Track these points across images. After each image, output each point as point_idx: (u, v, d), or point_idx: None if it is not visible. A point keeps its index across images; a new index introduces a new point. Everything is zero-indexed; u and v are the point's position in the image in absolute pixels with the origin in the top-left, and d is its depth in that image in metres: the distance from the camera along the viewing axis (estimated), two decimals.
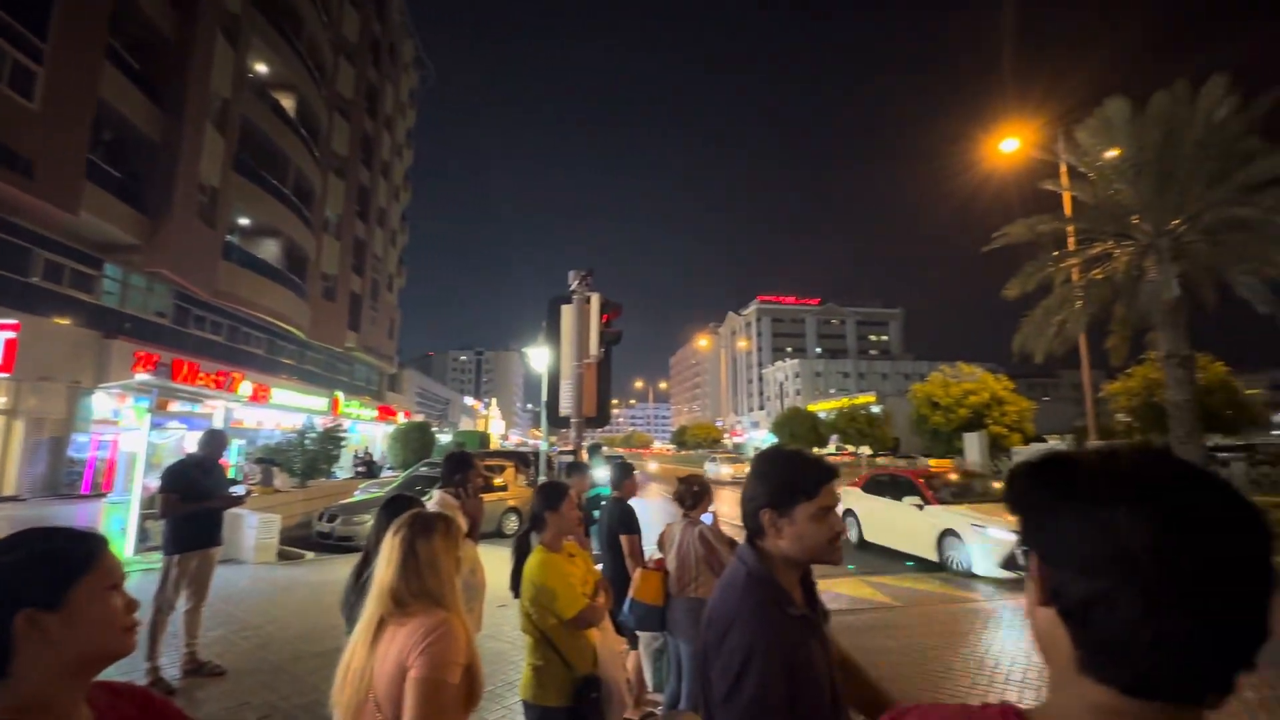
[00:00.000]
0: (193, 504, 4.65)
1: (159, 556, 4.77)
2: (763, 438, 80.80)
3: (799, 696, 1.19)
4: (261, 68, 23.18)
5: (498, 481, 13.10)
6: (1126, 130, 13.51)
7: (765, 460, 1.43)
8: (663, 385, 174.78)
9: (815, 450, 44.93)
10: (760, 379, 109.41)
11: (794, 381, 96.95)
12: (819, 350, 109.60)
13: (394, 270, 42.19)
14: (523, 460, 14.95)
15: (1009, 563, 7.87)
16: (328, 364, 31.29)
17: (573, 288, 5.91)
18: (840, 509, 8.35)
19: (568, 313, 6.02)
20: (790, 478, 1.35)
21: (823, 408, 57.26)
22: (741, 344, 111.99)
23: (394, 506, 2.15)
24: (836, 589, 7.42)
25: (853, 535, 11.16)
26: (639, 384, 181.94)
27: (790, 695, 1.18)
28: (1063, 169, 16.66)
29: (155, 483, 6.34)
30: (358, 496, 13.33)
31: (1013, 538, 7.36)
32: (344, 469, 21.11)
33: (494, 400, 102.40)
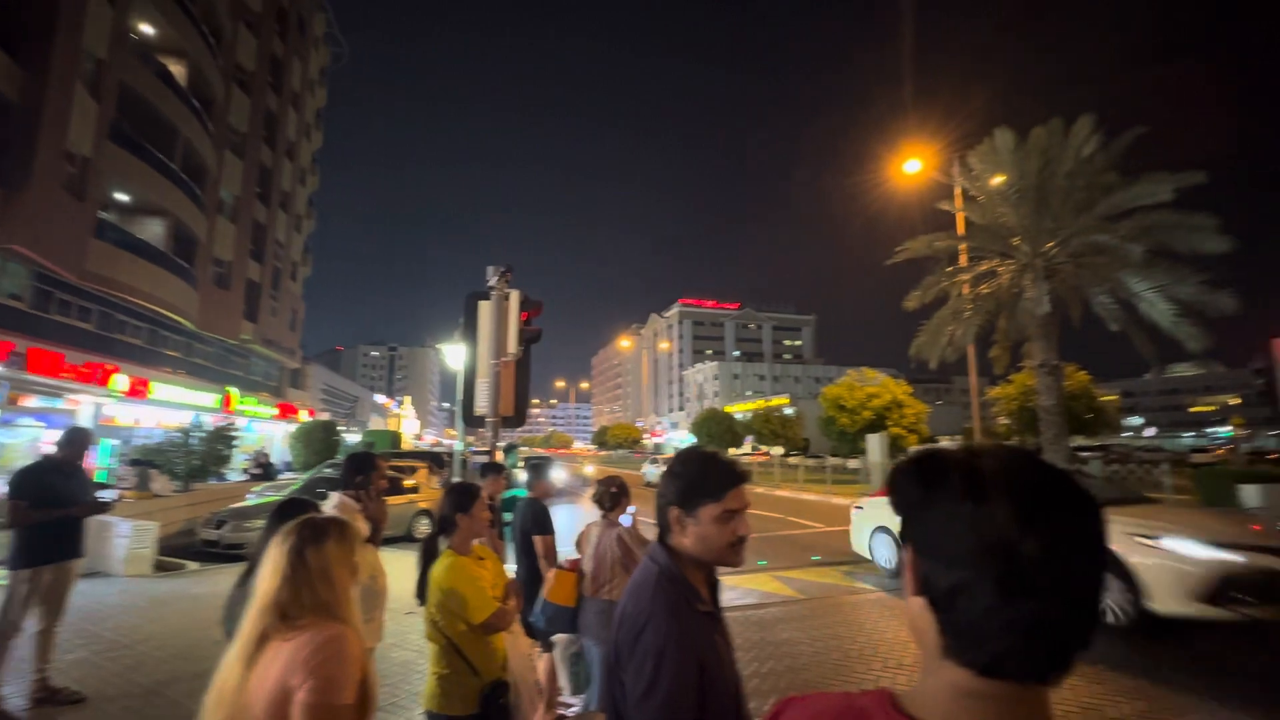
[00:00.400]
0: (47, 511, 4.12)
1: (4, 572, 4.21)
2: (682, 438, 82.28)
3: (710, 691, 1.22)
4: (147, 29, 20.99)
5: (409, 483, 12.57)
6: (1011, 159, 14.84)
7: (679, 460, 1.45)
8: (584, 385, 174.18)
9: (731, 450, 46.33)
10: (681, 380, 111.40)
11: (713, 383, 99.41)
12: (737, 353, 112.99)
13: (298, 258, 39.47)
14: (436, 461, 14.42)
15: (1215, 593, 4.97)
16: (220, 357, 28.78)
17: (491, 284, 5.76)
18: (868, 526, 8.35)
19: (485, 309, 5.85)
20: (698, 479, 1.37)
21: (739, 409, 59.12)
22: (663, 345, 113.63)
23: (286, 511, 2.00)
24: (747, 585, 7.67)
25: (885, 559, 8.40)
26: (560, 384, 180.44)
27: (703, 690, 1.20)
28: (957, 191, 18.07)
29: (3, 488, 5.59)
30: (250, 501, 12.35)
31: (1215, 553, 5.10)
32: (236, 471, 19.54)
33: (408, 399, 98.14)
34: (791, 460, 31.70)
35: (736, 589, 7.42)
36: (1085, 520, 0.58)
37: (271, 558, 1.40)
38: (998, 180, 15.22)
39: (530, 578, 3.90)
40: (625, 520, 3.66)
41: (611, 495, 3.68)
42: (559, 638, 3.68)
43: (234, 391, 24.72)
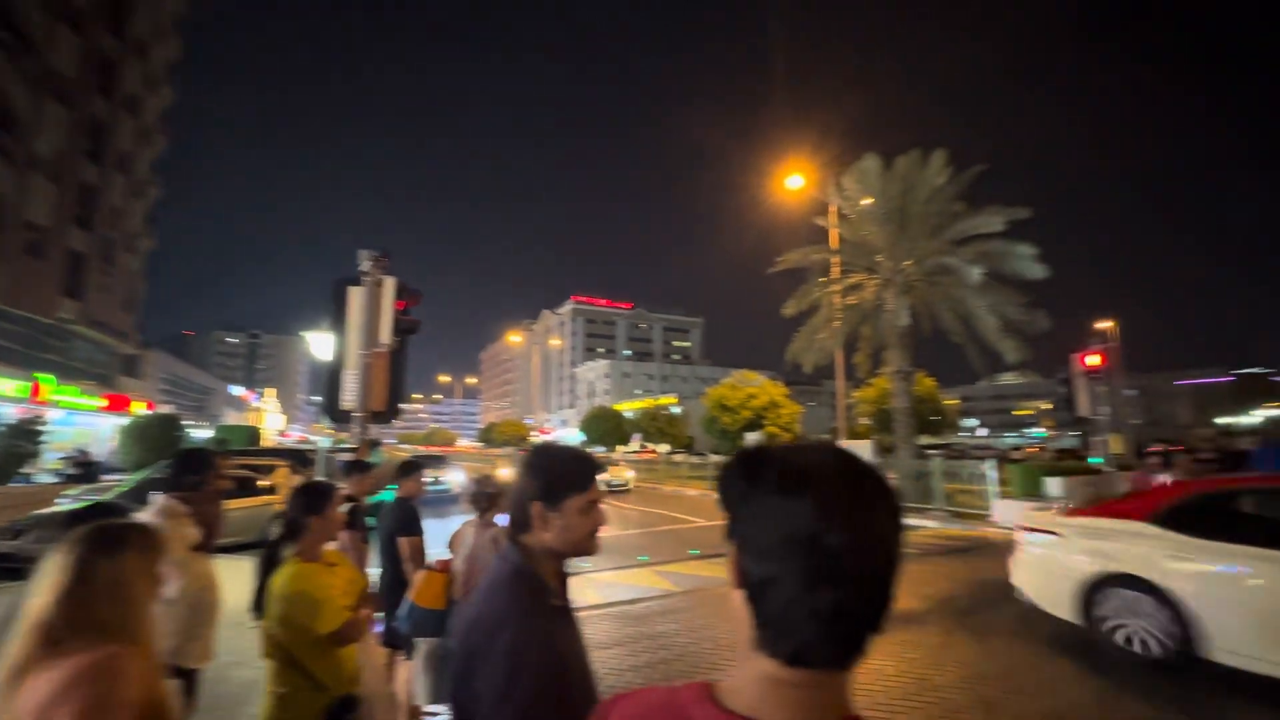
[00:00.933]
0: None
1: None
2: (572, 435, 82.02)
3: (567, 688, 1.20)
4: None
5: (265, 483, 11.44)
6: (877, 183, 16.29)
7: (541, 455, 1.43)
8: (471, 381, 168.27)
9: (619, 447, 46.89)
10: (572, 378, 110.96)
11: (604, 381, 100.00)
12: (628, 352, 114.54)
13: (139, 229, 34.56)
14: (300, 459, 13.23)
15: None
16: (29, 339, 24.49)
17: (364, 269, 5.38)
18: (1106, 564, 4.57)
19: (356, 296, 5.45)
20: (564, 472, 1.37)
21: (628, 407, 59.96)
22: (554, 342, 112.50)
23: (83, 518, 1.72)
24: (628, 580, 7.78)
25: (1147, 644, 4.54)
26: (445, 379, 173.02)
27: (561, 688, 1.18)
28: (832, 209, 19.50)
29: None
30: (63, 505, 10.63)
31: None
32: (47, 471, 16.76)
33: (271, 391, 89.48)
34: (676, 457, 32.73)
35: (617, 585, 7.50)
36: (883, 513, 0.62)
37: (48, 572, 1.19)
38: (866, 202, 16.69)
39: (394, 582, 3.68)
40: (502, 520, 3.56)
41: (488, 495, 3.56)
42: (423, 642, 3.51)
43: (47, 379, 21.17)
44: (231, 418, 56.23)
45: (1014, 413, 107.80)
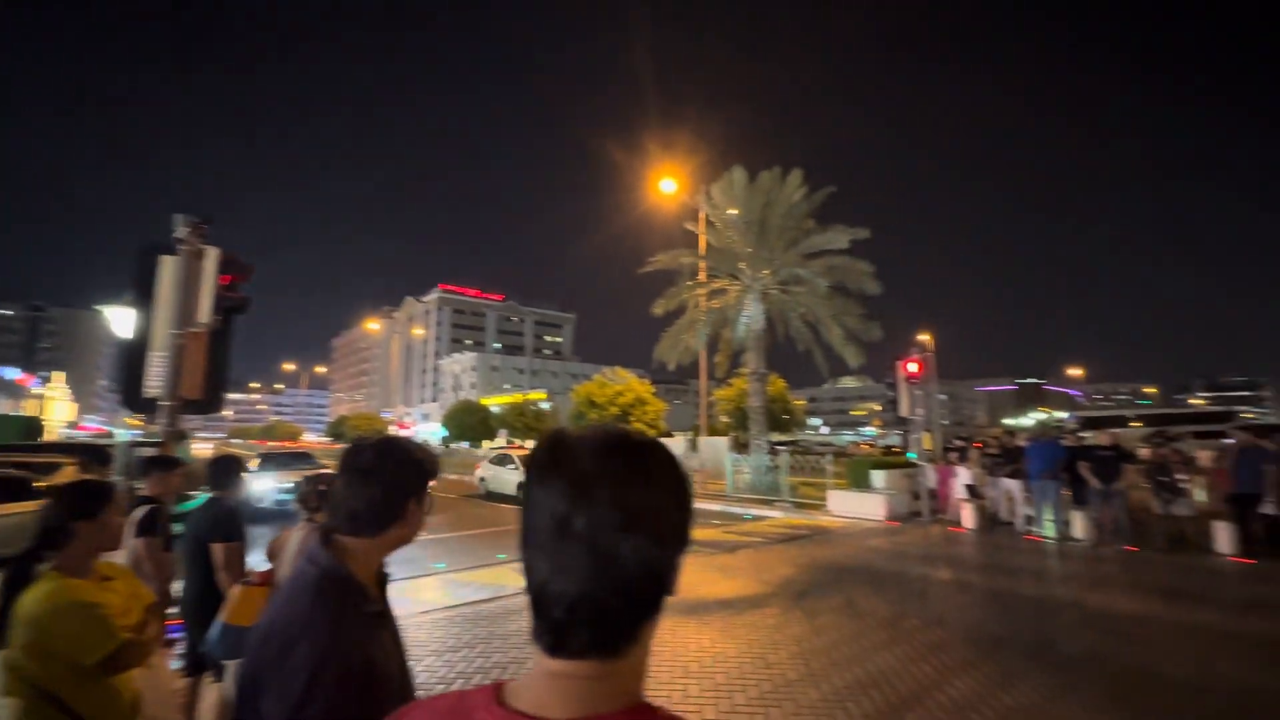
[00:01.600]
0: None
1: None
2: (433, 430, 78.00)
3: (375, 702, 1.11)
4: None
5: (43, 484, 9.57)
6: (742, 195, 17.27)
7: (386, 456, 1.32)
8: (320, 370, 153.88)
9: (484, 443, 45.43)
10: (436, 370, 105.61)
11: (471, 374, 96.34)
12: (498, 345, 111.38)
13: None
14: (96, 455, 11.21)
15: None
16: None
17: (178, 236, 4.66)
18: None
19: (169, 267, 4.72)
20: (419, 468, 1.31)
21: (496, 402, 58.30)
22: (418, 331, 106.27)
23: None
24: (483, 579, 7.54)
25: None
26: (289, 366, 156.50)
27: (367, 703, 1.08)
28: (701, 215, 20.38)
29: None
30: None
31: None
32: None
33: (59, 375, 75.35)
34: None
35: (471, 584, 7.25)
36: (647, 494, 0.60)
37: None
38: (732, 212, 17.64)
39: (202, 596, 3.23)
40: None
41: (319, 494, 3.24)
42: (236, 666, 3.12)
43: None
44: (3, 406, 46.37)
45: (852, 413, 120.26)
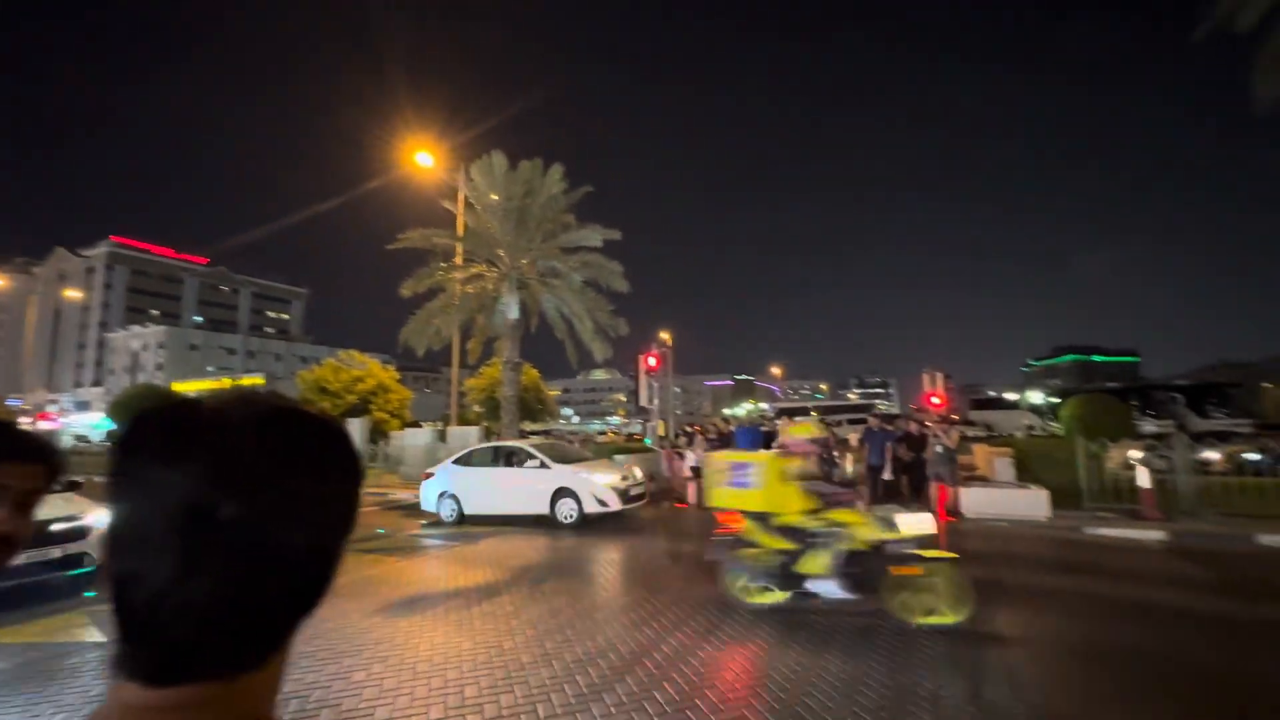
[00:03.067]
0: None
1: None
2: (94, 421, 60.72)
3: None
4: None
5: None
6: (503, 181, 16.95)
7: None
8: None
9: None
10: (103, 345, 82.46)
11: (158, 353, 77.58)
12: (199, 319, 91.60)
13: None
14: None
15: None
16: None
17: None
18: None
19: None
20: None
21: (194, 387, 47.82)
22: (73, 294, 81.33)
23: None
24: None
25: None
26: None
27: None
28: (461, 196, 19.47)
29: None
30: None
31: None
32: None
33: None
34: None
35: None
36: (301, 476, 0.50)
37: None
38: (494, 197, 17.17)
39: None
40: None
41: None
42: None
43: None
44: None
45: (602, 403, 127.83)
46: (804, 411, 40.55)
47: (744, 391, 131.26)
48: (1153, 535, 8.52)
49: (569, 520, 10.15)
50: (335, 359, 24.50)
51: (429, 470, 11.99)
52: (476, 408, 26.03)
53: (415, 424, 27.66)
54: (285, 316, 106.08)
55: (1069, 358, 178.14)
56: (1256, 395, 33.43)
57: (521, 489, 10.73)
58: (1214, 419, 25.48)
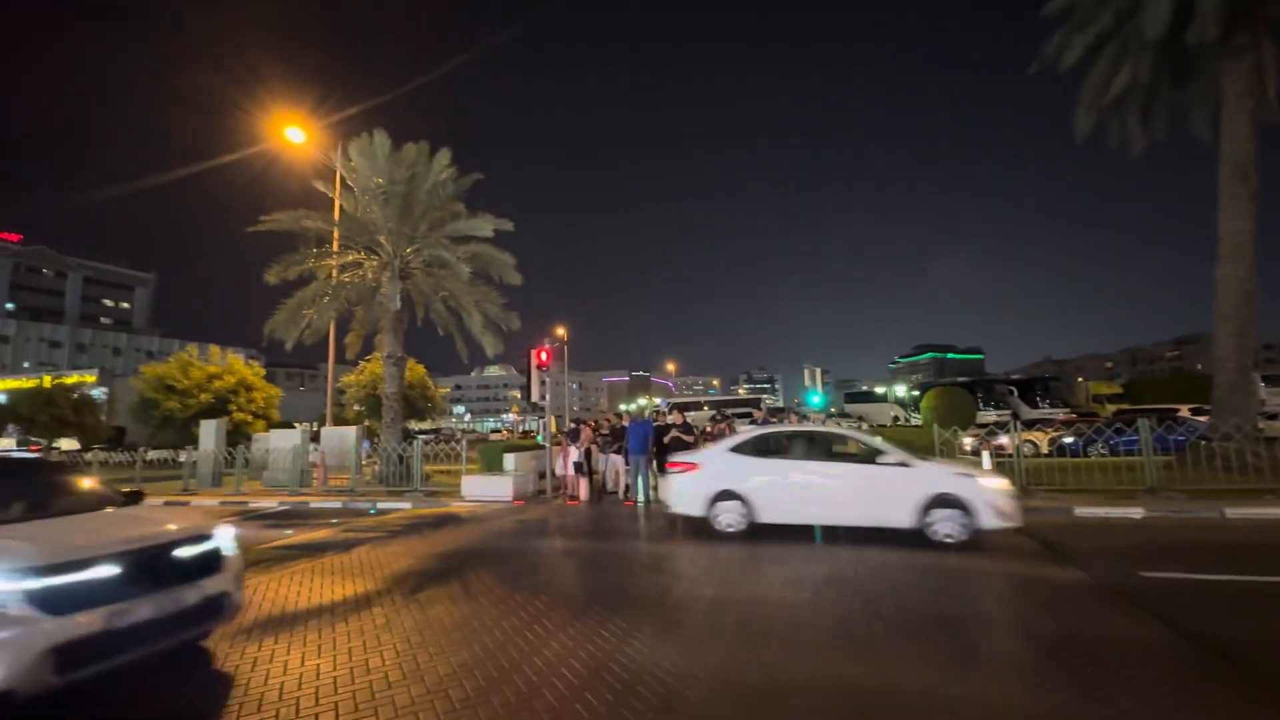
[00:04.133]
0: None
1: None
2: None
3: None
4: None
5: None
6: (386, 164, 15.87)
7: None
8: None
9: None
10: None
11: None
12: (10, 306, 78.16)
13: None
14: None
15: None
16: None
17: None
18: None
19: None
20: None
21: (3, 387, 40.68)
22: None
23: None
24: None
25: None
26: None
27: None
28: (338, 176, 18.01)
29: None
30: None
31: None
32: None
33: None
34: (92, 455, 23.78)
35: None
36: None
37: None
38: (377, 180, 16.00)
39: None
40: None
41: None
42: None
43: None
44: None
45: (497, 400, 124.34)
46: (697, 406, 41.85)
47: (640, 387, 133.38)
48: None
49: (949, 539, 7.38)
50: (185, 353, 21.75)
51: (688, 459, 9.03)
52: (356, 406, 24.24)
53: (286, 424, 25.33)
54: (126, 305, 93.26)
55: (928, 355, 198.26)
56: (1073, 388, 38.89)
57: (869, 492, 7.92)
58: (1040, 409, 29.34)
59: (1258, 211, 12.59)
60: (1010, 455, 11.54)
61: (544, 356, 13.29)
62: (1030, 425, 19.90)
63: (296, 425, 29.74)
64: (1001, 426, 15.91)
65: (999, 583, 6.13)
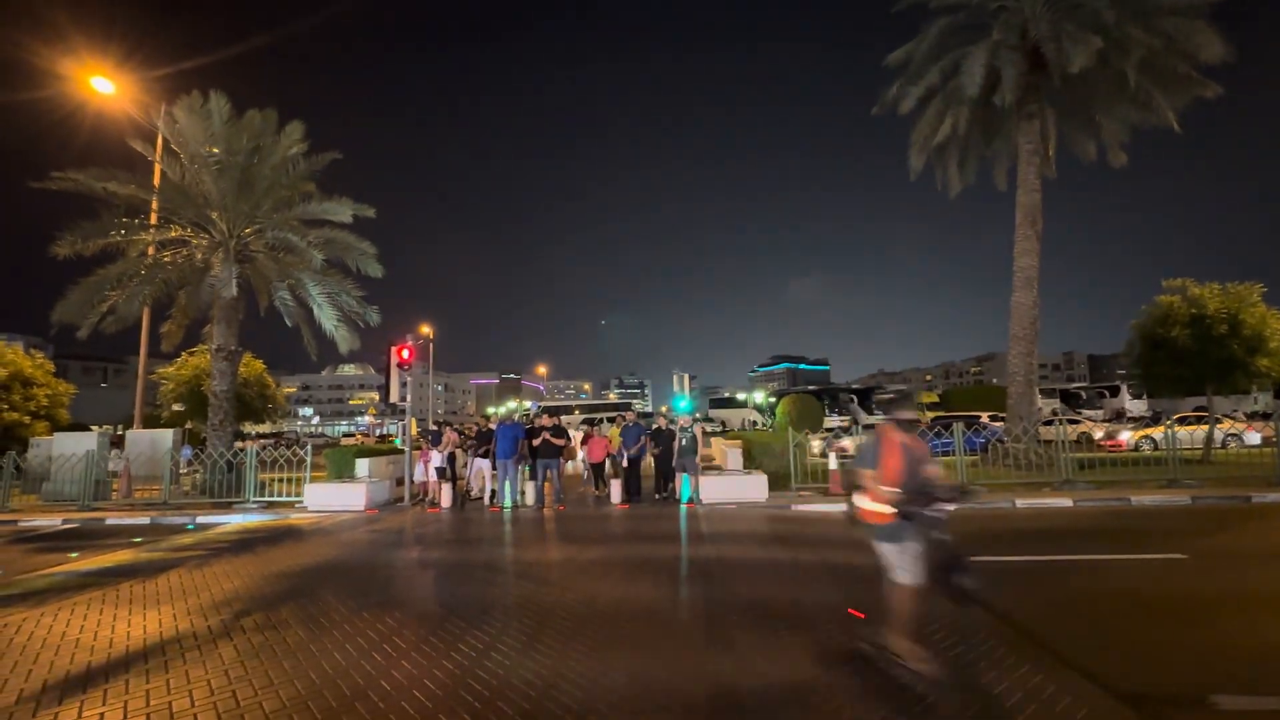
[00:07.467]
0: None
1: None
2: None
3: None
4: None
5: None
6: (223, 130, 13.99)
7: None
8: None
9: None
10: None
11: None
12: None
13: None
14: None
15: None
16: None
17: None
18: None
19: None
20: None
21: None
22: None
23: None
24: None
25: None
26: None
27: None
28: (159, 139, 15.62)
29: None
30: None
31: None
32: None
33: None
34: None
35: None
36: None
37: None
38: (213, 150, 13.99)
39: None
40: None
41: None
42: None
43: None
44: None
45: (351, 402, 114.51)
46: (568, 410, 41.57)
47: (510, 390, 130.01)
48: (837, 508, 10.46)
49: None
50: None
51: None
52: (176, 405, 20.99)
53: (80, 426, 21.32)
54: None
55: (783, 365, 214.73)
56: (910, 397, 44.12)
57: None
58: (875, 415, 32.83)
59: (1042, 250, 15.11)
60: (852, 455, 12.73)
61: (406, 354, 12.40)
62: (869, 429, 22.20)
63: (94, 428, 25.15)
64: (845, 430, 17.58)
65: (819, 570, 6.67)
